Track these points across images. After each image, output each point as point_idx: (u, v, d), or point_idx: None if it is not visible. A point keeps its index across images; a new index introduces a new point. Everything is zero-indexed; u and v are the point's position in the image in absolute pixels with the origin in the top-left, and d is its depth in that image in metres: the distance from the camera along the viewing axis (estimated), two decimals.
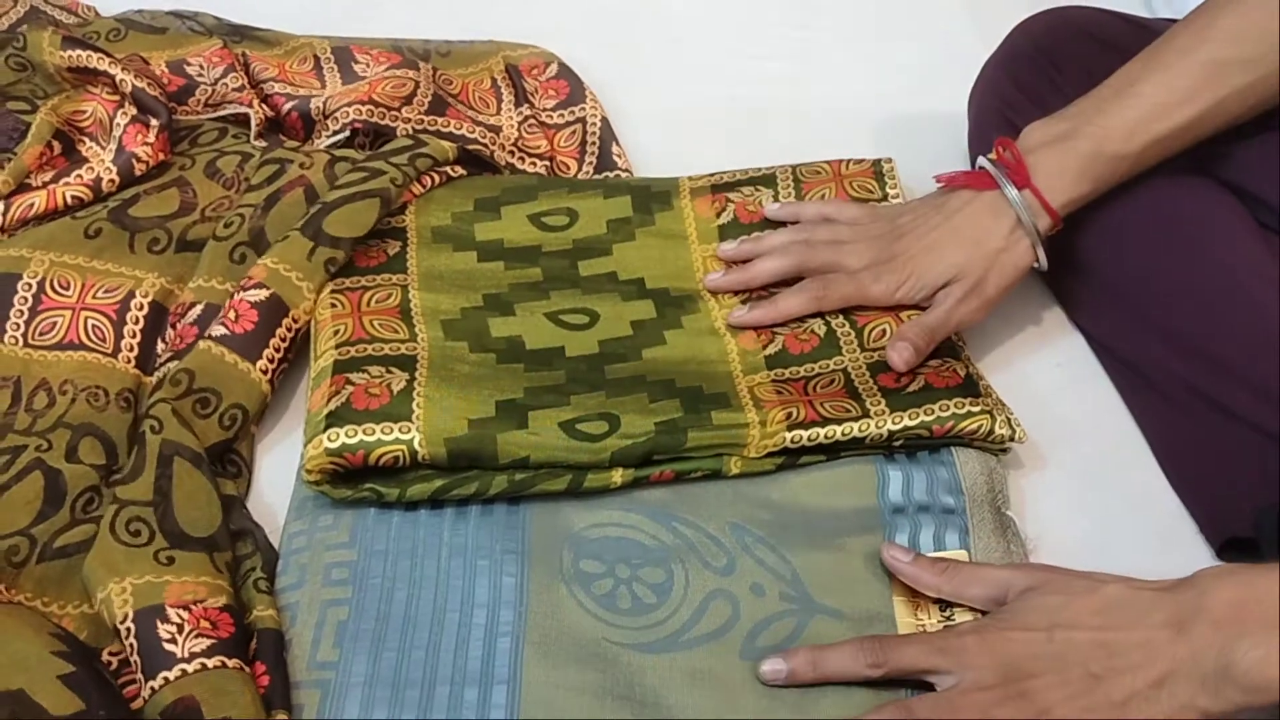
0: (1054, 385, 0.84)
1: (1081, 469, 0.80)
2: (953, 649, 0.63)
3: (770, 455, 0.74)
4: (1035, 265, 0.80)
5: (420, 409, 0.72)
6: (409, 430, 0.70)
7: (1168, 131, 0.77)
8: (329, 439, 0.70)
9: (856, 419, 0.74)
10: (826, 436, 0.73)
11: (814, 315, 0.82)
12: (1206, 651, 0.57)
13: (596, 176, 0.96)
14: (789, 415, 0.74)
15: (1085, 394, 0.84)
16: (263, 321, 0.78)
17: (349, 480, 0.71)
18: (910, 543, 0.72)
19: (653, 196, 0.89)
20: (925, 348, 0.77)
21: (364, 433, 0.70)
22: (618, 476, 0.72)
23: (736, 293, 0.84)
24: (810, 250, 0.82)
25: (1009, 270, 0.79)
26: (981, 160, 0.81)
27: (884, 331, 0.80)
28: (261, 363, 0.77)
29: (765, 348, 0.80)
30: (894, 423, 0.74)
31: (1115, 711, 0.58)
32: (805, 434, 0.73)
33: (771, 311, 0.81)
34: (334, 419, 0.71)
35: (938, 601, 0.69)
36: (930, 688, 0.64)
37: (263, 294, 0.78)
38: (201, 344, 0.76)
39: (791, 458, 0.74)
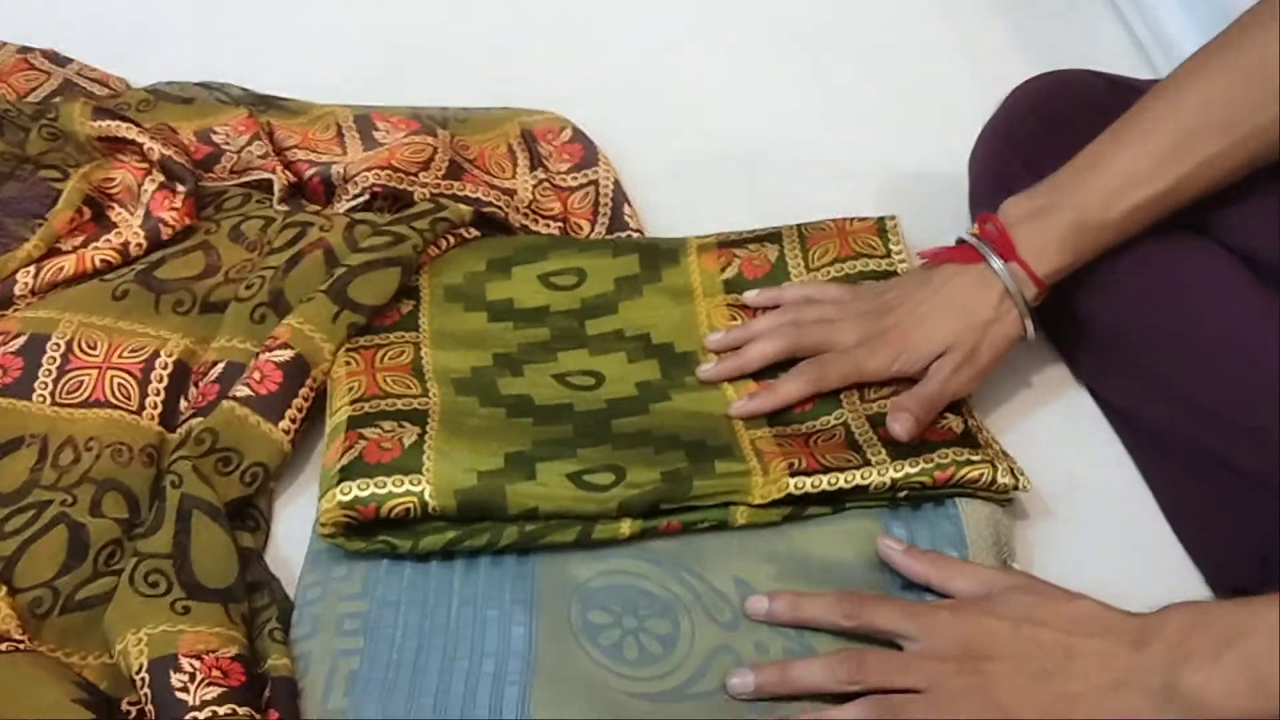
0: (1060, 439, 0.85)
1: (1087, 522, 0.80)
2: (924, 617, 0.67)
3: (776, 505, 0.75)
4: (1024, 336, 0.81)
5: (431, 461, 0.73)
6: (419, 482, 0.72)
7: (1145, 200, 0.78)
8: (342, 492, 0.72)
9: (858, 467, 0.75)
10: (830, 484, 0.74)
11: None
12: (1155, 667, 0.60)
13: (608, 236, 0.98)
14: (791, 465, 0.75)
15: (1091, 448, 0.85)
16: (286, 382, 0.80)
17: (363, 533, 0.73)
18: (914, 594, 0.72)
19: (660, 254, 0.91)
20: (924, 418, 0.78)
21: (376, 485, 0.72)
22: (626, 528, 0.74)
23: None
24: (800, 331, 0.83)
25: (1000, 340, 0.80)
26: (964, 235, 0.82)
27: (884, 389, 0.81)
28: (284, 423, 0.79)
29: None
30: (895, 470, 0.74)
31: (1061, 706, 0.62)
32: (809, 480, 0.74)
33: (772, 399, 0.81)
34: (347, 473, 0.73)
35: None
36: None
37: (287, 354, 0.80)
38: (225, 404, 0.78)
39: (797, 508, 0.75)
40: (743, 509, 0.75)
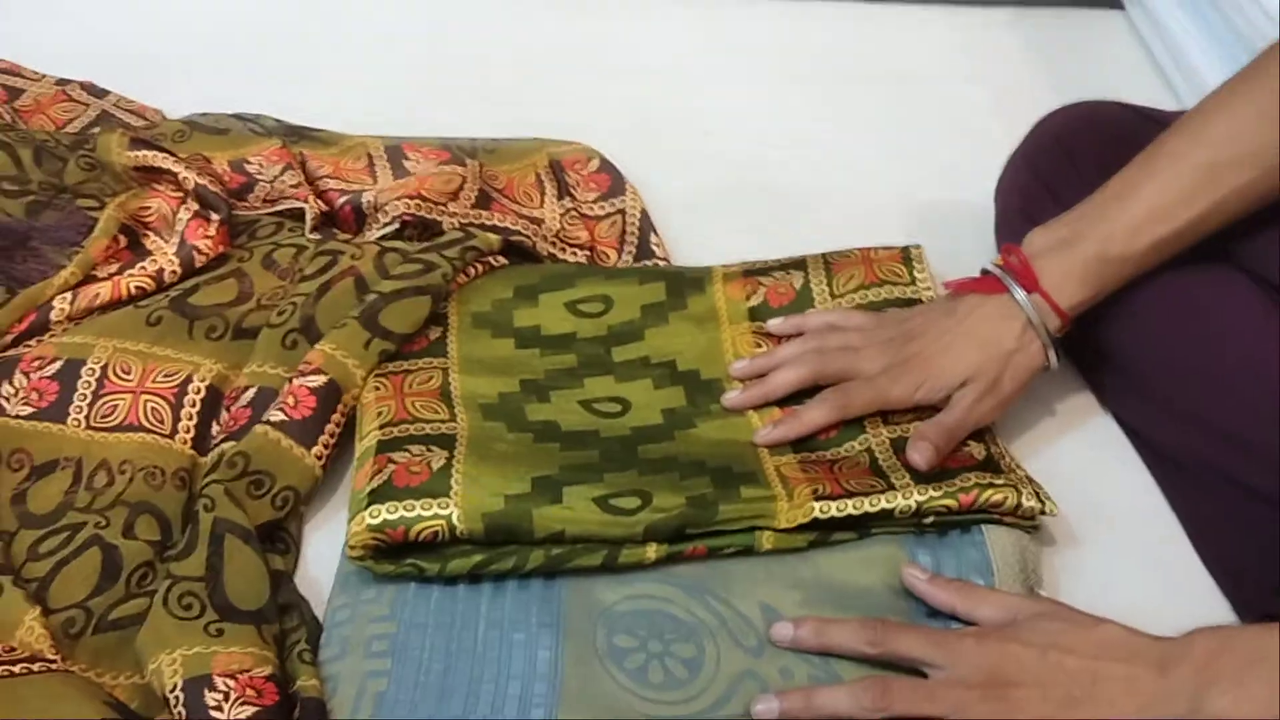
0: (1085, 465, 0.85)
1: (1114, 547, 0.80)
2: (949, 644, 0.67)
3: (801, 530, 0.75)
4: (1047, 366, 0.81)
5: (459, 485, 0.74)
6: (448, 506, 0.73)
7: (1169, 233, 0.79)
8: (371, 515, 0.72)
9: (883, 492, 0.75)
10: (855, 508, 0.74)
11: None
12: (1182, 691, 0.61)
13: (635, 265, 0.99)
14: (816, 490, 0.75)
15: (1116, 473, 0.85)
16: (320, 407, 0.81)
17: (392, 556, 0.74)
18: (940, 622, 0.72)
19: (686, 282, 0.92)
20: (945, 448, 0.78)
21: (404, 509, 0.73)
22: (651, 552, 0.74)
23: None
24: (824, 358, 0.84)
25: (1022, 371, 0.80)
26: (988, 266, 0.82)
27: (907, 414, 0.82)
28: (316, 448, 0.80)
29: None
30: (920, 494, 0.75)
31: None
32: (834, 505, 0.74)
33: (797, 426, 0.81)
34: (376, 496, 0.73)
35: None
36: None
37: (320, 380, 0.81)
38: (259, 428, 0.79)
39: (823, 534, 0.76)
40: (768, 534, 0.75)
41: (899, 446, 0.79)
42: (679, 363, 0.87)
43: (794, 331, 0.88)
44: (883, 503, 0.75)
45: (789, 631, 0.71)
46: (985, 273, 0.82)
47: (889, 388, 0.81)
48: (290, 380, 0.82)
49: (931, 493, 0.75)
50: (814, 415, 0.82)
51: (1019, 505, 0.75)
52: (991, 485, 0.75)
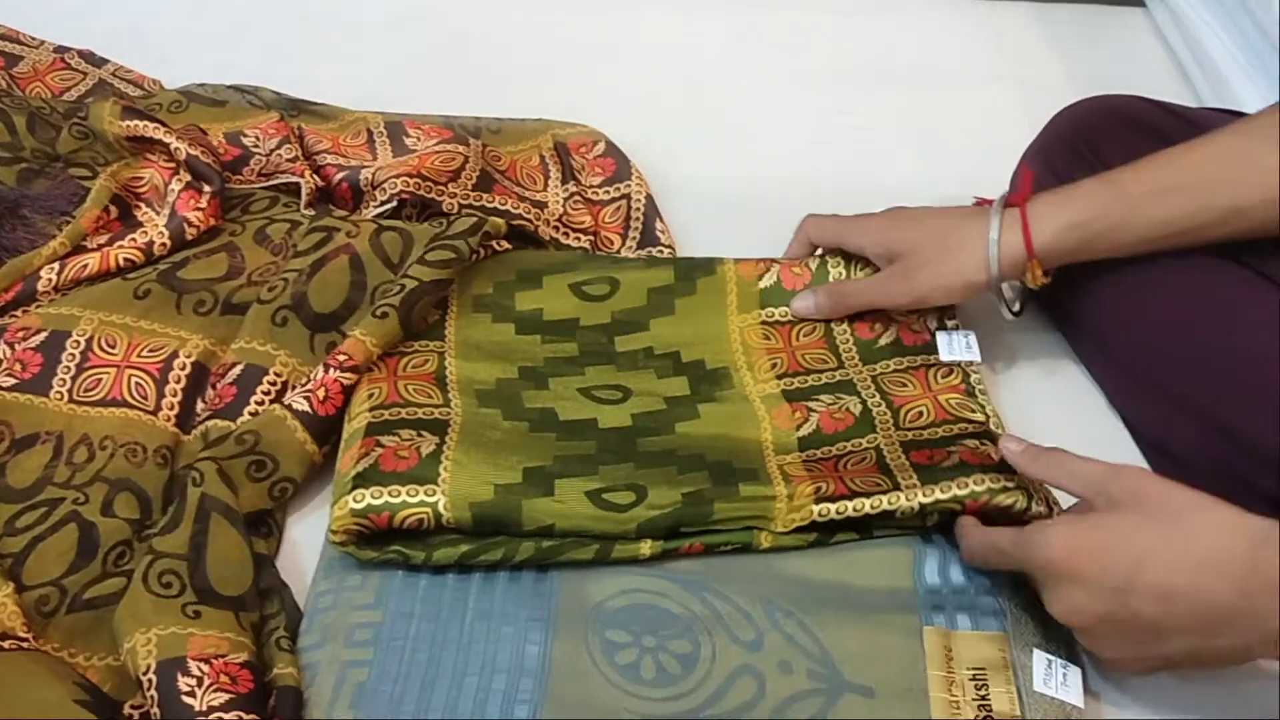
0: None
1: None
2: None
3: (801, 531, 0.73)
4: (1001, 304, 0.81)
5: (447, 473, 0.72)
6: (434, 493, 0.70)
7: (1179, 184, 0.77)
8: (355, 500, 0.70)
9: (886, 492, 0.73)
10: (855, 509, 0.72)
11: (850, 393, 0.81)
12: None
13: (640, 251, 0.97)
14: (818, 490, 0.73)
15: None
16: (344, 405, 0.78)
17: (375, 542, 0.71)
18: (947, 624, 0.71)
19: (696, 265, 0.90)
20: (828, 306, 0.85)
21: (389, 494, 0.70)
22: (646, 549, 0.72)
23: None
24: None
25: (949, 271, 0.80)
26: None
27: (920, 413, 0.80)
28: (326, 447, 0.78)
29: (799, 428, 0.79)
30: (925, 495, 0.72)
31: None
32: (834, 507, 0.72)
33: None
34: (361, 480, 0.71)
35: (974, 678, 0.68)
36: None
37: (355, 379, 0.79)
38: (278, 411, 0.77)
39: (824, 534, 0.73)
40: (766, 534, 0.73)
41: (909, 447, 0.77)
42: (683, 354, 0.85)
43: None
44: (885, 503, 0.72)
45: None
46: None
47: (849, 225, 0.87)
48: (326, 369, 0.78)
49: (938, 494, 0.72)
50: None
51: (1028, 509, 0.72)
52: (1005, 489, 0.72)
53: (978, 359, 0.83)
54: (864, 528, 0.74)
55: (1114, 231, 0.78)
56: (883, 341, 0.85)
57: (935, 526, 0.74)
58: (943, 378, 0.82)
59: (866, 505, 0.72)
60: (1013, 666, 0.68)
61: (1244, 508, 0.62)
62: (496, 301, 0.87)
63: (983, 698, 0.67)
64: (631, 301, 0.87)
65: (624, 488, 0.73)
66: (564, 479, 0.73)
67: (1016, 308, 0.83)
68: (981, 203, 0.84)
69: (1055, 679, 0.67)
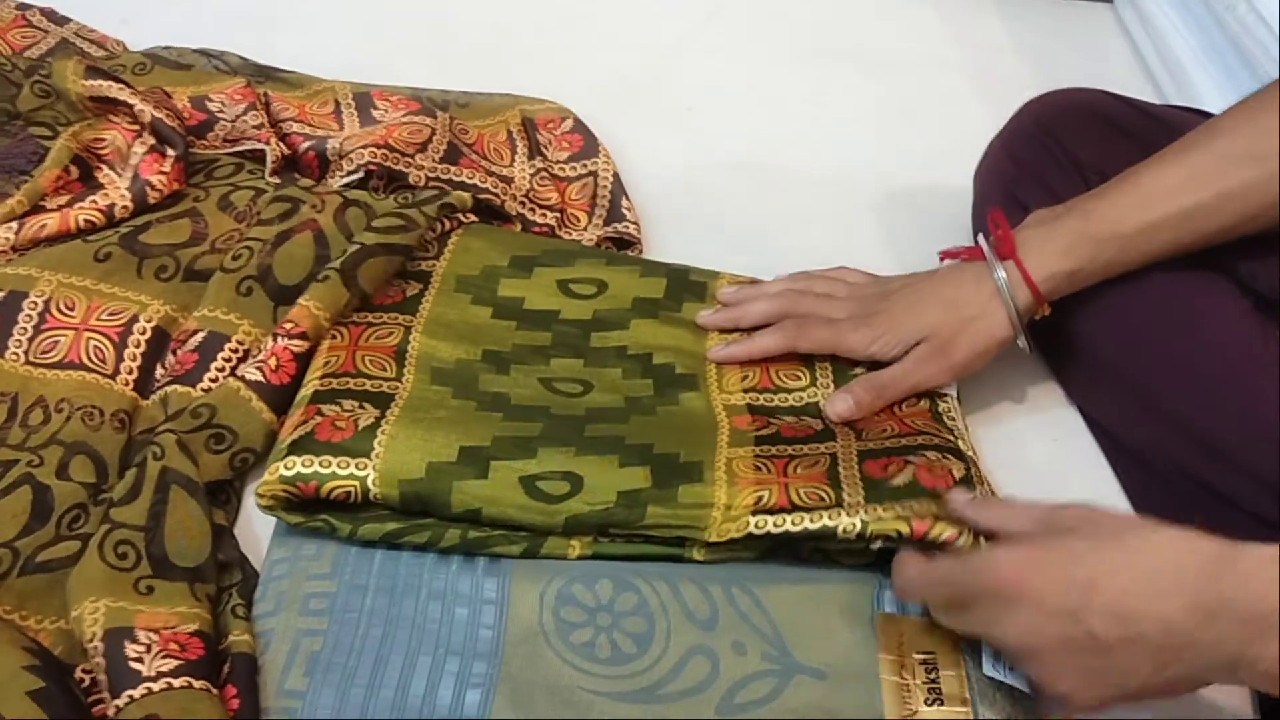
0: (1048, 459, 0.84)
1: None
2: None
3: (734, 544, 0.71)
4: (1020, 346, 0.80)
5: (381, 447, 0.71)
6: (365, 467, 0.70)
7: (1161, 218, 0.76)
8: (285, 466, 0.70)
9: (828, 508, 0.70)
10: (794, 524, 0.69)
11: (815, 415, 0.79)
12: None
13: (606, 228, 0.96)
14: (758, 500, 0.71)
15: (1079, 469, 0.83)
16: (298, 373, 0.78)
17: (303, 509, 0.71)
18: (899, 609, 0.70)
19: (688, 285, 0.88)
20: (869, 402, 0.78)
21: (320, 464, 0.70)
22: (575, 549, 0.71)
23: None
24: (798, 299, 0.84)
25: (980, 338, 0.79)
26: (980, 238, 0.81)
27: (884, 430, 0.77)
28: (284, 415, 0.77)
29: (759, 430, 0.77)
30: (867, 513, 0.69)
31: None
32: (771, 519, 0.70)
33: (749, 346, 0.82)
34: (295, 448, 0.71)
35: (923, 662, 0.68)
36: None
37: (304, 346, 0.79)
38: (232, 383, 0.77)
39: (757, 550, 0.72)
40: (699, 548, 0.71)
41: (864, 456, 0.74)
42: (655, 357, 0.83)
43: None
44: (825, 519, 0.69)
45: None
46: (977, 243, 0.81)
47: (847, 333, 0.80)
48: (275, 339, 0.78)
49: (880, 513, 0.69)
50: (767, 341, 0.82)
51: (976, 542, 0.68)
52: (951, 519, 0.69)
53: (952, 391, 0.82)
54: (798, 544, 0.71)
55: (1107, 270, 0.79)
56: (857, 371, 0.82)
57: (876, 550, 0.70)
58: (908, 406, 0.80)
59: (805, 520, 0.69)
60: (962, 650, 0.68)
61: (1227, 524, 0.61)
62: (480, 284, 0.86)
63: (932, 681, 0.67)
64: (615, 305, 0.86)
65: (559, 476, 0.71)
66: (499, 461, 0.71)
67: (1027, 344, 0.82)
68: (948, 255, 0.83)
69: (1004, 663, 0.68)
